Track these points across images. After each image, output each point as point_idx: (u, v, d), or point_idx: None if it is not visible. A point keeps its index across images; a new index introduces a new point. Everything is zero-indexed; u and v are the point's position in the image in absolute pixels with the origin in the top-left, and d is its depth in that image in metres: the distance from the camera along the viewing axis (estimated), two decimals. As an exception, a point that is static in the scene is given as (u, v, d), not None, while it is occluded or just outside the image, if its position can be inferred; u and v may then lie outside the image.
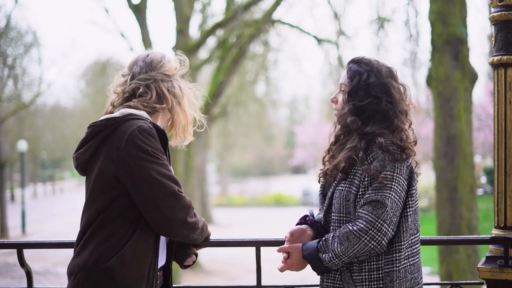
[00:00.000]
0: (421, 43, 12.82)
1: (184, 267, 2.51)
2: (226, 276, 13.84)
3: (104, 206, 2.15)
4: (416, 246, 2.30)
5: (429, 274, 13.07)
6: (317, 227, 2.39)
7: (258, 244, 2.85)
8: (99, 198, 2.16)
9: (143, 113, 2.22)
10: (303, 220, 2.44)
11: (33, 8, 40.73)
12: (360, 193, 2.24)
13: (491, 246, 2.75)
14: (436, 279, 10.17)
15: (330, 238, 2.24)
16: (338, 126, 2.43)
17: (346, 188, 2.27)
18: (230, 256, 15.48)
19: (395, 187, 2.21)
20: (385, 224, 2.17)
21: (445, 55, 7.40)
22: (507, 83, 2.71)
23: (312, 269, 2.30)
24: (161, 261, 2.34)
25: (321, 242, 2.26)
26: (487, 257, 2.72)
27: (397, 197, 2.21)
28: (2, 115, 19.95)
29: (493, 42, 2.77)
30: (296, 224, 2.45)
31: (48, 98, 27.37)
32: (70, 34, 45.84)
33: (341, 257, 2.21)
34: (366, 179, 2.23)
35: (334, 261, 2.22)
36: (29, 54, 20.61)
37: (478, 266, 2.70)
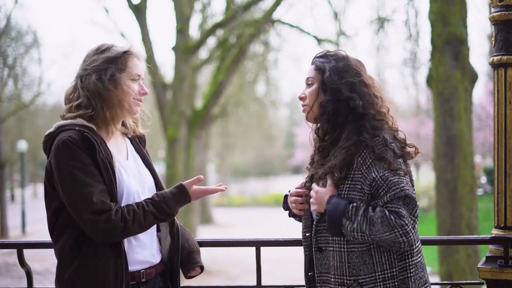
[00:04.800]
0: (421, 43, 12.81)
1: (188, 277, 2.51)
2: (226, 276, 13.84)
3: (53, 218, 2.24)
4: (419, 245, 2.26)
5: (429, 274, 13.04)
6: None
7: (258, 244, 2.85)
8: (48, 211, 2.26)
9: (77, 121, 2.24)
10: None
11: (33, 8, 40.68)
12: (368, 196, 2.14)
13: (491, 246, 2.75)
14: (436, 279, 10.15)
15: (361, 211, 2.11)
16: (322, 123, 2.27)
17: (346, 194, 2.17)
18: (230, 256, 15.47)
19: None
20: (416, 221, 2.12)
21: (445, 55, 7.40)
22: (507, 83, 2.71)
23: (327, 226, 2.19)
24: (150, 258, 2.33)
25: (351, 209, 2.12)
26: (487, 257, 2.72)
27: None
28: (2, 115, 19.95)
29: (493, 42, 2.76)
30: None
31: (48, 98, 27.33)
32: (70, 34, 45.82)
33: (365, 235, 2.10)
34: (377, 177, 2.11)
35: (355, 234, 2.11)
36: (29, 54, 20.61)
37: (478, 266, 2.70)
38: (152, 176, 2.42)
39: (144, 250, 2.31)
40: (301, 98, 2.32)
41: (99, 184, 2.16)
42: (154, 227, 2.36)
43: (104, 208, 2.13)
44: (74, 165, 2.14)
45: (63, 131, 2.21)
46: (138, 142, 2.47)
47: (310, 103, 2.28)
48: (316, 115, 2.28)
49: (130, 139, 2.45)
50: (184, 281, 2.78)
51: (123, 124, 2.42)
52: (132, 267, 2.25)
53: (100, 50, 2.30)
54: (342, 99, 2.20)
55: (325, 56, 2.31)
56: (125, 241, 2.24)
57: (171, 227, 2.42)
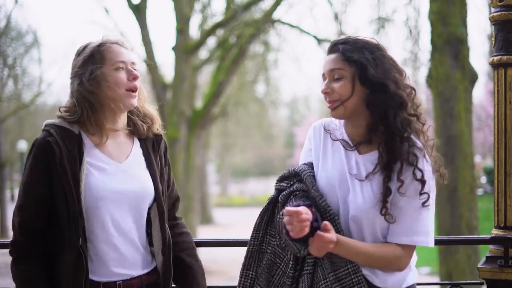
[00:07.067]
0: (421, 43, 12.80)
1: None
2: (226, 276, 13.82)
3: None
4: None
5: (429, 274, 13.07)
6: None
7: (258, 244, 2.84)
8: None
9: (57, 121, 2.21)
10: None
11: (33, 8, 40.69)
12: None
13: (491, 246, 2.75)
14: (436, 279, 10.17)
15: None
16: (374, 120, 2.04)
17: None
18: (230, 256, 15.46)
19: None
20: None
21: (445, 55, 7.40)
22: (507, 83, 2.71)
23: None
24: (130, 271, 2.21)
25: None
26: (487, 257, 2.72)
27: None
28: (2, 115, 19.96)
29: (493, 42, 2.76)
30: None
31: (48, 98, 27.31)
32: (70, 34, 45.80)
33: None
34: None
35: None
36: (29, 54, 20.64)
37: (478, 266, 2.69)
38: (153, 182, 2.27)
39: (123, 262, 2.19)
40: (326, 93, 2.07)
41: (34, 203, 2.14)
42: (138, 240, 2.23)
43: (18, 233, 2.16)
44: (27, 170, 2.17)
45: (43, 130, 2.21)
46: (151, 145, 2.33)
47: (343, 98, 2.04)
48: (352, 111, 2.06)
49: (140, 140, 2.32)
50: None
51: (130, 124, 2.31)
52: (106, 278, 2.16)
53: (78, 53, 2.24)
54: (389, 95, 2.01)
55: (352, 44, 2.07)
56: (98, 251, 2.16)
57: (163, 245, 2.28)
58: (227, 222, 24.96)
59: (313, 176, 2.15)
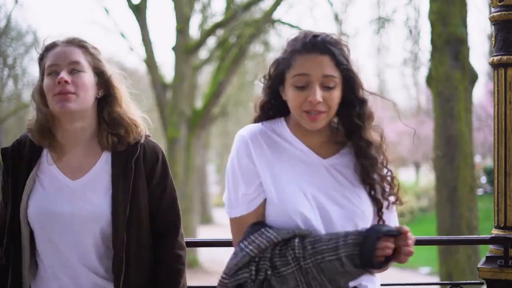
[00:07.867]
0: (421, 43, 12.85)
1: None
2: (226, 276, 13.83)
3: None
4: None
5: (429, 274, 13.07)
6: None
7: (258, 244, 2.83)
8: None
9: (26, 132, 2.14)
10: None
11: (33, 8, 40.67)
12: None
13: (491, 246, 2.75)
14: (436, 279, 10.17)
15: None
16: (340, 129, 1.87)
17: None
18: (230, 256, 15.47)
19: None
20: None
21: (445, 55, 7.41)
22: (507, 83, 2.71)
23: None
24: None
25: None
26: (487, 257, 2.72)
27: None
28: (2, 115, 19.96)
29: (493, 42, 2.76)
30: None
31: (48, 98, 27.33)
32: (70, 34, 45.78)
33: None
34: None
35: None
36: (29, 54, 20.63)
37: (478, 266, 2.69)
38: (112, 205, 1.96)
39: (68, 285, 1.98)
40: (319, 103, 1.75)
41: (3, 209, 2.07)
42: (84, 266, 1.98)
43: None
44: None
45: None
46: (123, 159, 2.01)
47: (332, 109, 1.79)
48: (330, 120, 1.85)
49: (113, 154, 2.02)
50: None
51: (102, 135, 2.03)
52: None
53: None
54: (367, 106, 1.86)
55: (339, 46, 1.80)
56: (45, 270, 2.00)
57: (116, 279, 1.98)
58: (227, 222, 24.76)
59: (271, 233, 1.79)
